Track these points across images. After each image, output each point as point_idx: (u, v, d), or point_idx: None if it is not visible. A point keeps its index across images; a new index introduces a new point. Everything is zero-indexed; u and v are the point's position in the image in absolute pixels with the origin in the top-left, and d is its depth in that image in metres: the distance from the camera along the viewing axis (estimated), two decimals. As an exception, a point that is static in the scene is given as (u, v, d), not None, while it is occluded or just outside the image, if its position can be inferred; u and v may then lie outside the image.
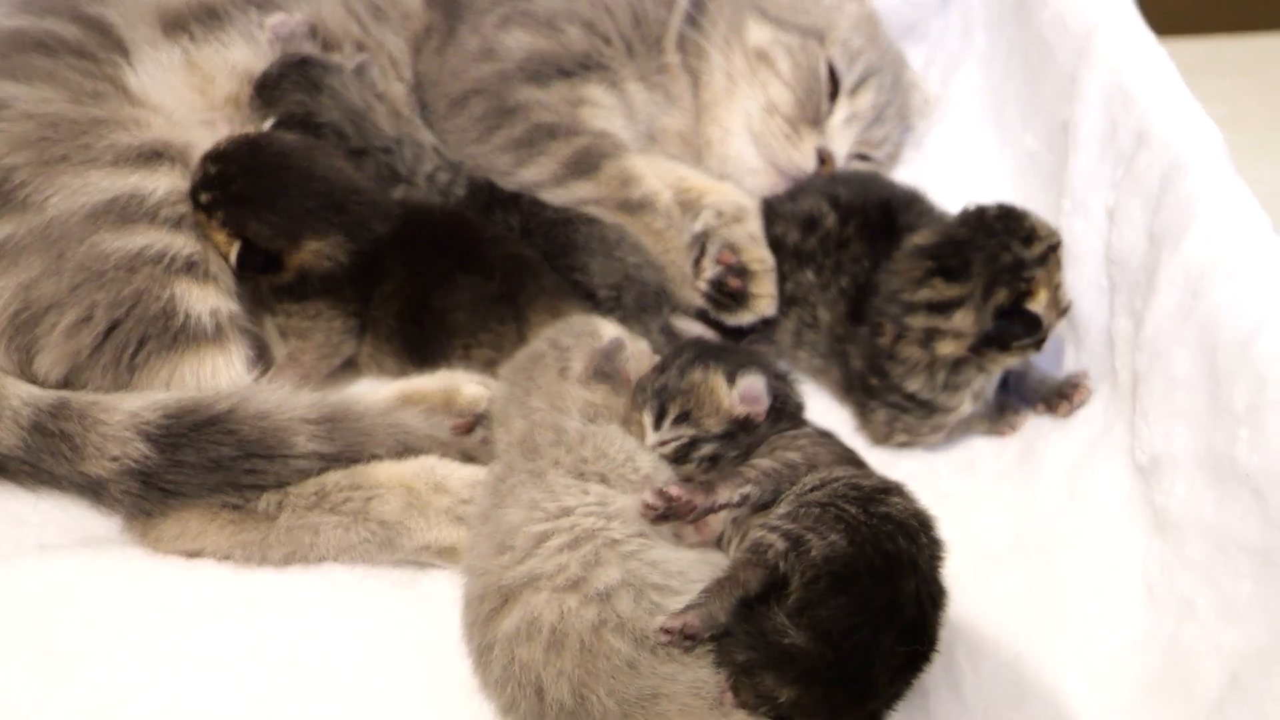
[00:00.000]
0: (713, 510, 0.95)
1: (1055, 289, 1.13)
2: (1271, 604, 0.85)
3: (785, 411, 1.12)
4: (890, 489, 0.94)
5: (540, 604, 0.86)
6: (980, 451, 1.25)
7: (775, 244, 1.35)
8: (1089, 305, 1.23)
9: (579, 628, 0.84)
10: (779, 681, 0.81)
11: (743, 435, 1.08)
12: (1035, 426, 1.24)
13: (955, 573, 0.92)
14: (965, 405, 1.21)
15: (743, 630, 0.83)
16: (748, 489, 0.96)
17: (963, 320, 1.14)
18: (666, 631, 0.84)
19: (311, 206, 1.27)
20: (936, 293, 1.16)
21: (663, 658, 0.84)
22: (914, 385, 1.20)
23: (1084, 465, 1.11)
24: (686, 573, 0.90)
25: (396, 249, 1.27)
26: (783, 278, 1.38)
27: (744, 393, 1.08)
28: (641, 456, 1.04)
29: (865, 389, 1.26)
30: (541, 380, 1.13)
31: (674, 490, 0.91)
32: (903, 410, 1.23)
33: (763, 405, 1.08)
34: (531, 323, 1.24)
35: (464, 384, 1.19)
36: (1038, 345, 1.13)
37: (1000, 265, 1.12)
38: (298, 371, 1.30)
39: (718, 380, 1.09)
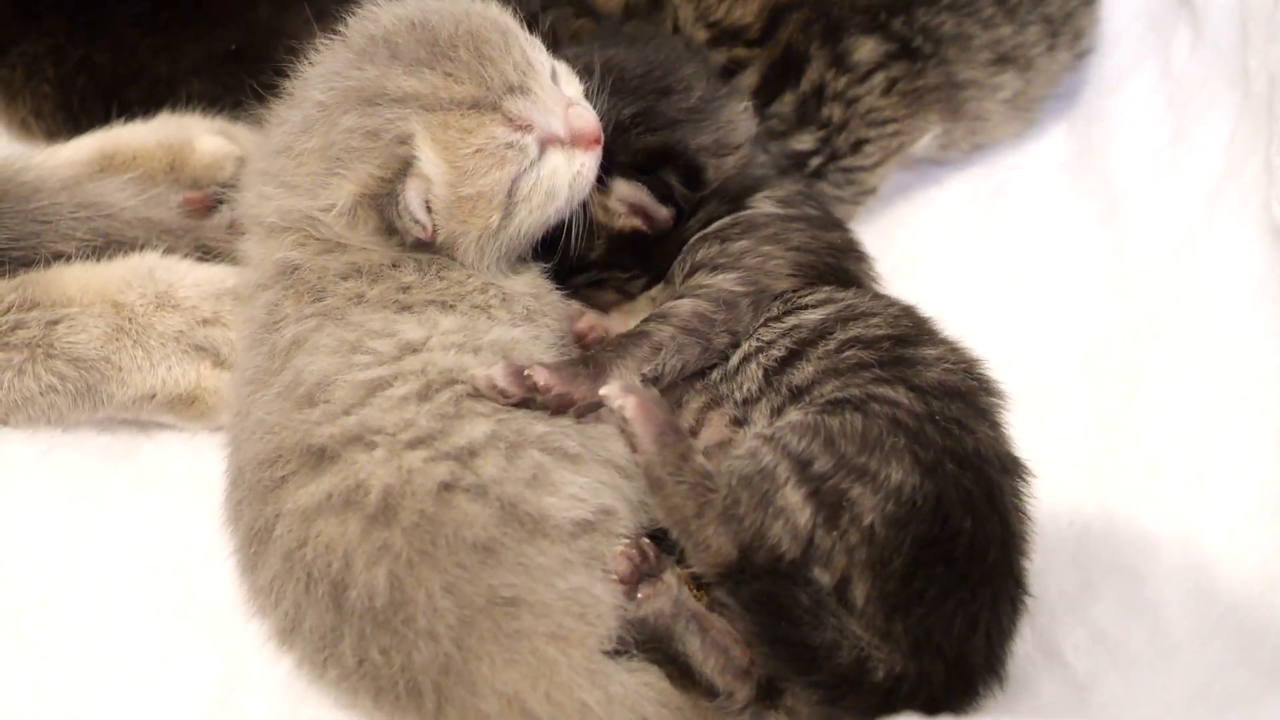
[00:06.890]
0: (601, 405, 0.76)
1: None
2: None
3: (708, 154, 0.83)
4: (911, 335, 0.74)
5: (371, 464, 0.67)
6: (1037, 217, 0.97)
7: None
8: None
9: (419, 490, 0.66)
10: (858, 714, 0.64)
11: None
12: (1121, 173, 0.97)
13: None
14: None
15: (779, 646, 0.63)
16: (657, 362, 0.76)
17: None
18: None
19: None
20: None
21: (540, 544, 0.66)
22: None
23: (1196, 231, 0.89)
24: (606, 438, 0.74)
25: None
26: None
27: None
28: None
29: None
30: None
31: (542, 378, 0.72)
32: None
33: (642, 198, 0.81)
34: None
35: (198, 134, 0.89)
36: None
37: None
38: None
39: None
